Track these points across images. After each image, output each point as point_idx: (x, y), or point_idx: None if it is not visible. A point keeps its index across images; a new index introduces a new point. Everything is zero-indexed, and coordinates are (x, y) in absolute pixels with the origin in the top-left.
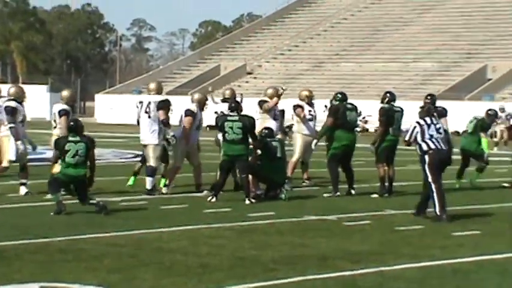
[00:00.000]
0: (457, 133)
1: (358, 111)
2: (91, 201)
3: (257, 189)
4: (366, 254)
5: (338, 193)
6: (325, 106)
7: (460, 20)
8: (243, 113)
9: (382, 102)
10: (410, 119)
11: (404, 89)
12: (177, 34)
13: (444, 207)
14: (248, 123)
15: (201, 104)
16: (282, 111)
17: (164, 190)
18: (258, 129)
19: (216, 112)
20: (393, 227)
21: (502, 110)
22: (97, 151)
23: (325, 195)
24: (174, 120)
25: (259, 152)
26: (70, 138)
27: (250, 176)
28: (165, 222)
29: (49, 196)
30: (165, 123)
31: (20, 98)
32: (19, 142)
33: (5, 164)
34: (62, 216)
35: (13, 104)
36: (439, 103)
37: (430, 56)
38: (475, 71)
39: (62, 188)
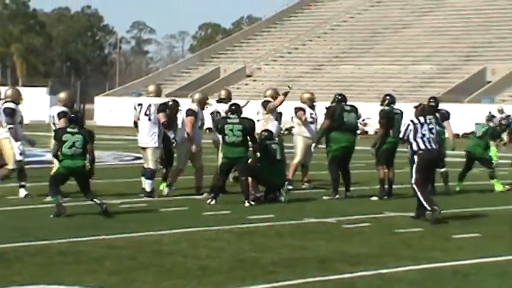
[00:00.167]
0: (456, 135)
1: (358, 114)
2: (95, 200)
3: (256, 192)
4: (365, 256)
5: (338, 195)
6: (326, 108)
7: (459, 23)
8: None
9: (382, 104)
10: None
11: (404, 92)
12: (177, 37)
13: (433, 202)
14: (248, 125)
15: (202, 104)
16: (280, 114)
17: (165, 191)
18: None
19: (212, 113)
20: (393, 229)
21: (501, 111)
22: (96, 153)
23: (324, 197)
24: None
25: (258, 154)
26: (68, 130)
27: (249, 179)
28: (164, 225)
29: (49, 198)
30: (165, 126)
31: (17, 99)
32: (19, 143)
33: (10, 166)
34: (62, 218)
35: (12, 105)
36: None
37: (430, 59)
38: (475, 73)
39: (62, 185)
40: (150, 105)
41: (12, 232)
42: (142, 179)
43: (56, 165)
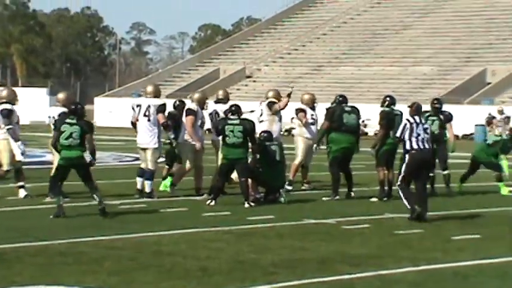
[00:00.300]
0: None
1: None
2: (95, 195)
3: (256, 193)
4: (365, 257)
5: (337, 197)
6: (326, 109)
7: (460, 24)
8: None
9: (382, 105)
10: None
11: (404, 93)
12: (177, 38)
13: (413, 202)
14: (249, 126)
15: (201, 103)
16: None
17: (169, 190)
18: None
19: (210, 114)
20: (392, 230)
21: (501, 112)
22: (96, 154)
23: (324, 198)
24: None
25: (258, 155)
26: (67, 120)
27: (249, 180)
28: (164, 226)
29: (48, 199)
30: (165, 127)
31: (12, 100)
32: (19, 142)
33: (4, 167)
34: (62, 219)
35: (8, 106)
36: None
37: (430, 60)
38: (475, 74)
39: (64, 180)
40: (149, 106)
41: (12, 232)
42: (138, 179)
43: (55, 165)
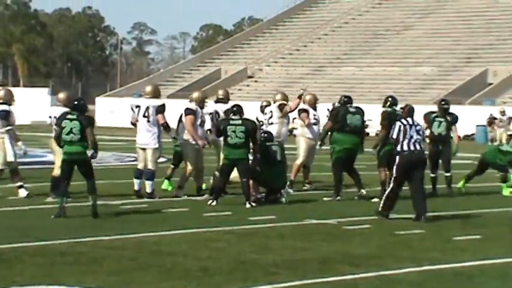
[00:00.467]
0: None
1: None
2: (91, 197)
3: (257, 193)
4: (366, 257)
5: (339, 197)
6: (328, 110)
7: (461, 25)
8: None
9: (384, 106)
10: None
11: (405, 93)
12: (178, 38)
13: (389, 209)
14: (251, 127)
15: (201, 102)
16: None
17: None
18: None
19: (210, 114)
20: (393, 230)
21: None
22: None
23: (325, 199)
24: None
25: (259, 156)
26: (68, 116)
27: (250, 180)
28: (165, 226)
29: (50, 199)
30: (165, 127)
31: (9, 101)
32: (20, 142)
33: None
34: (62, 219)
35: (6, 107)
36: (438, 108)
37: (431, 60)
38: (476, 75)
39: (70, 178)
40: (148, 107)
41: (12, 232)
42: (135, 180)
43: (57, 166)
